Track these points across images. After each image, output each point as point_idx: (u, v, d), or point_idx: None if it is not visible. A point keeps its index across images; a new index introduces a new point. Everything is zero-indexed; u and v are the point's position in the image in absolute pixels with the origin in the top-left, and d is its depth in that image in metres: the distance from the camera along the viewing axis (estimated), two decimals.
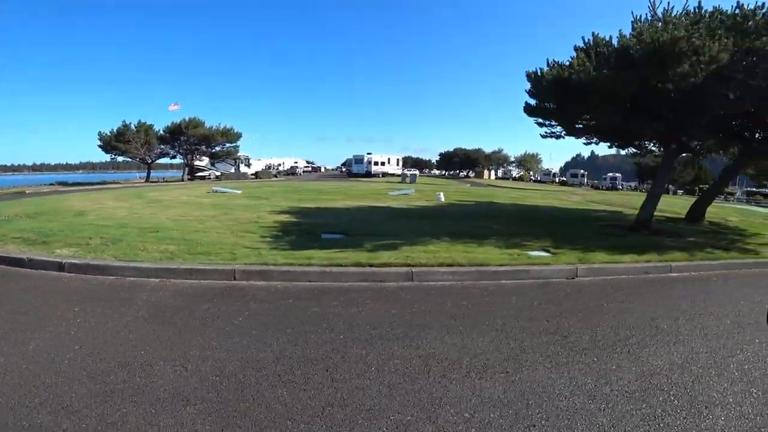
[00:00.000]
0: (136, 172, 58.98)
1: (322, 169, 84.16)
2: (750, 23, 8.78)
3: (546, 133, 12.45)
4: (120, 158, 48.09)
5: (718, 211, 21.96)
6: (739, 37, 8.98)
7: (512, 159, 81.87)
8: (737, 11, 8.84)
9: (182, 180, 44.86)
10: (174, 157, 48.74)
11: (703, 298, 5.67)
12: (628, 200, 26.61)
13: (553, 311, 4.94)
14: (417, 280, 6.10)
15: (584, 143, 12.83)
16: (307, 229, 9.85)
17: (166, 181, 44.05)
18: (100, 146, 43.84)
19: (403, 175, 47.99)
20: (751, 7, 8.79)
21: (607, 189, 60.53)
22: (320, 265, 6.26)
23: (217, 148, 48.66)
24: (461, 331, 4.24)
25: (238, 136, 48.55)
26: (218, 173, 49.52)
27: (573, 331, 4.30)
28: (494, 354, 3.71)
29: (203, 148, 47.28)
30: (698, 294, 5.93)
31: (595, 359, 3.66)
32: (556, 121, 11.80)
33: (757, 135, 13.48)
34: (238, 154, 53.65)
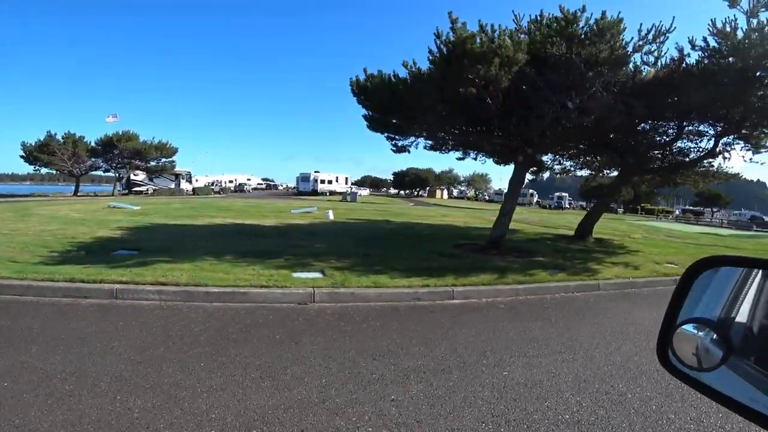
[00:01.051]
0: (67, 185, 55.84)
1: (281, 187, 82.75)
2: (575, 27, 8.30)
3: (396, 147, 11.62)
4: (44, 170, 45.54)
5: (627, 228, 21.92)
6: (569, 44, 8.51)
7: (462, 179, 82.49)
8: (560, 15, 8.30)
9: (112, 194, 42.62)
10: (108, 170, 46.85)
11: (427, 337, 4.69)
12: (547, 218, 26.49)
13: (182, 344, 3.89)
14: (121, 298, 5.52)
15: (458, 158, 11.93)
16: (114, 245, 8.95)
17: (96, 195, 42.22)
18: (22, 157, 41.70)
19: (344, 194, 47.25)
20: (574, 9, 8.29)
21: (552, 208, 61.32)
22: (54, 280, 5.75)
23: (153, 163, 46.64)
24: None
25: (174, 150, 46.88)
26: (155, 188, 47.48)
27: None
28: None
29: (136, 162, 45.18)
30: (435, 329, 4.96)
31: None
32: (397, 133, 11.00)
33: (634, 149, 13.18)
34: (180, 170, 51.96)
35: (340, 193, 55.66)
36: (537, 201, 71.18)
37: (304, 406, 2.95)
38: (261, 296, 5.57)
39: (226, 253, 8.00)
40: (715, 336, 0.86)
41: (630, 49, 9.55)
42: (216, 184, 57.86)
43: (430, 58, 8.54)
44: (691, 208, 66.57)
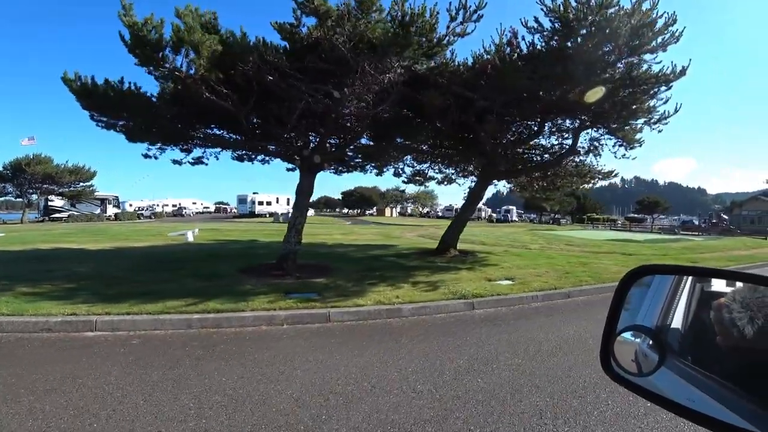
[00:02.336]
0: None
1: (232, 210, 79.74)
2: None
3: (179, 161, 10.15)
4: None
5: (528, 239, 20.98)
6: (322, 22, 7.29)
7: (407, 196, 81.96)
8: None
9: (21, 222, 39.50)
10: (19, 196, 43.70)
11: None
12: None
13: None
14: None
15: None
16: None
17: (5, 222, 38.96)
18: None
19: (276, 215, 45.69)
20: None
21: (499, 221, 61.11)
22: None
23: (70, 188, 43.82)
24: None
25: (92, 174, 44.37)
26: (77, 213, 44.48)
27: None
28: None
29: (48, 186, 42.31)
30: None
31: None
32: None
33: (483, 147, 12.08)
34: (106, 194, 49.29)
35: (282, 214, 54.09)
36: (490, 215, 70.92)
37: None
38: None
39: None
40: (651, 341, 0.91)
41: (436, 33, 8.36)
42: (147, 209, 54.94)
43: None
44: (634, 215, 67.82)
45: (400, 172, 16.32)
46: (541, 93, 10.14)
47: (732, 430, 0.73)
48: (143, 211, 52.86)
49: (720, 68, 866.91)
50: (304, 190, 10.01)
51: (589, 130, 12.47)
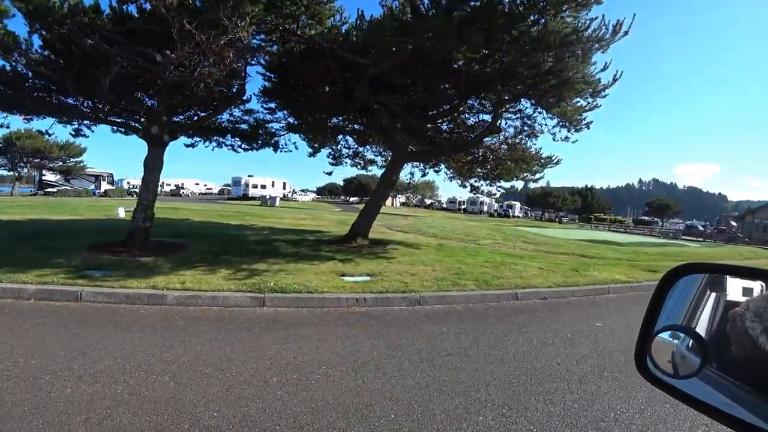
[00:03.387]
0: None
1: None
2: None
3: None
4: None
5: (485, 233, 19.42)
6: None
7: (406, 186, 79.82)
8: None
9: (11, 195, 39.92)
10: (11, 169, 44.20)
11: None
12: (424, 224, 24.24)
13: None
14: None
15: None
16: None
17: None
18: None
19: (263, 198, 45.06)
20: None
21: (500, 216, 59.12)
22: None
23: (60, 163, 44.12)
24: None
25: (82, 150, 44.33)
26: (69, 188, 44.87)
27: None
28: None
29: (38, 161, 42.60)
30: None
31: None
32: None
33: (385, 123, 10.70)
34: (100, 171, 49.79)
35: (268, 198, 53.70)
36: (495, 210, 68.78)
37: None
38: None
39: None
40: (691, 344, 0.88)
41: None
42: (137, 187, 54.77)
43: None
44: (644, 218, 64.85)
45: (338, 154, 15.13)
46: (442, 58, 8.68)
47: None
48: (136, 189, 52.70)
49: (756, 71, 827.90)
50: (148, 164, 9.22)
51: (521, 107, 10.97)
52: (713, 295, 0.90)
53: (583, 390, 3.60)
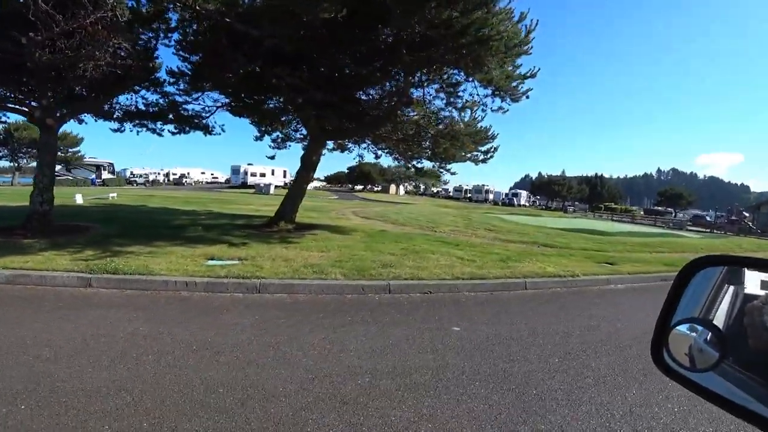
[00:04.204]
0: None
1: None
2: None
3: None
4: None
5: (451, 219, 18.42)
6: None
7: (411, 174, 78.43)
8: None
9: (11, 185, 40.86)
10: (12, 160, 45.22)
11: None
12: (396, 213, 23.40)
13: None
14: None
15: None
16: None
17: None
18: None
19: (258, 186, 44.87)
20: None
21: (504, 204, 57.61)
22: None
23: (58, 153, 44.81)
24: None
25: (79, 140, 44.96)
26: (70, 178, 45.67)
27: None
28: None
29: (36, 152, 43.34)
30: None
31: None
32: None
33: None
34: (101, 161, 50.72)
35: (276, 186, 53.81)
36: (503, 199, 67.11)
37: None
38: None
39: None
40: (709, 337, 0.86)
41: None
42: (141, 177, 55.38)
43: None
44: (656, 208, 62.19)
45: (285, 137, 14.39)
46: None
47: None
48: (137, 179, 53.27)
49: None
50: (40, 146, 9.31)
51: (446, 76, 10.00)
52: (731, 288, 0.89)
53: None
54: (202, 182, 70.87)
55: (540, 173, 74.21)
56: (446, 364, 3.72)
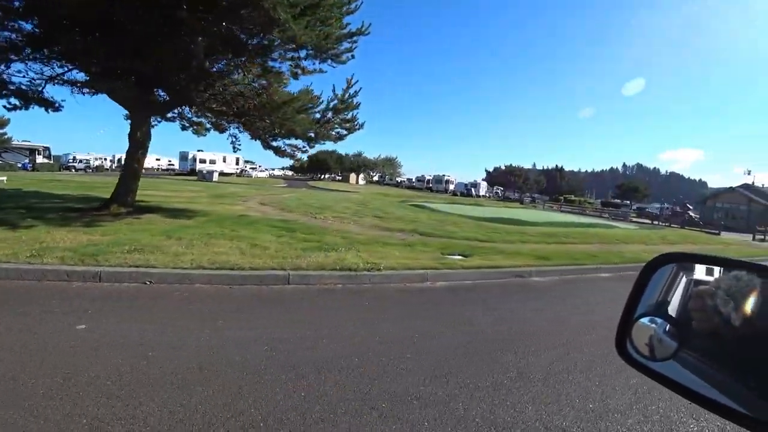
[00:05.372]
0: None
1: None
2: None
3: None
4: None
5: (342, 206, 17.34)
6: None
7: (371, 162, 77.21)
8: None
9: None
10: None
11: None
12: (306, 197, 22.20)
13: None
14: None
15: None
16: None
17: None
18: None
19: (200, 173, 43.28)
20: None
21: (462, 195, 56.97)
22: None
23: None
24: None
25: (5, 122, 42.21)
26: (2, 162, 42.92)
27: None
28: None
29: None
30: None
31: None
32: None
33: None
34: (36, 144, 47.95)
35: (228, 174, 52.28)
36: (461, 190, 66.46)
37: None
38: None
39: None
40: (668, 328, 0.90)
41: None
42: (82, 162, 52.58)
43: None
44: (613, 200, 62.65)
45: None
46: None
47: (734, 415, 0.75)
48: (76, 164, 50.51)
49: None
50: None
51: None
52: (684, 279, 0.93)
53: None
54: (155, 169, 68.09)
55: (499, 165, 73.60)
56: None
